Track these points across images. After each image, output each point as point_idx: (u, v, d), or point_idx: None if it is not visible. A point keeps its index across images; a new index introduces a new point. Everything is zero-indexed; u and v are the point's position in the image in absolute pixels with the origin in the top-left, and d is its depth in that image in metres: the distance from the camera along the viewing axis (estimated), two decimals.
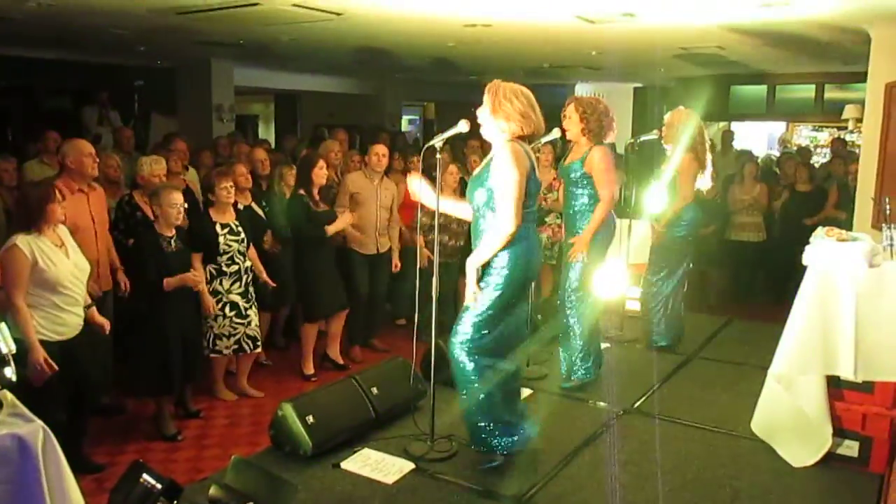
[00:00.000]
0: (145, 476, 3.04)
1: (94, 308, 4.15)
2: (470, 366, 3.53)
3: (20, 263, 3.66)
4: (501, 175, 3.41)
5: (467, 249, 6.35)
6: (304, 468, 3.71)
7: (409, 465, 3.73)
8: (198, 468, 4.42)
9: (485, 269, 3.53)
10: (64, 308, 3.85)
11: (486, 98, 3.50)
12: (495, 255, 3.47)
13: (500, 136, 3.50)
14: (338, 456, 3.81)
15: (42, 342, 3.71)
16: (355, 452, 3.86)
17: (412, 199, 6.25)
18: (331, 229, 5.64)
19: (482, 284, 3.52)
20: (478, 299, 3.51)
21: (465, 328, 3.54)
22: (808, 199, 8.01)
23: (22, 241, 3.70)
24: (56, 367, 3.69)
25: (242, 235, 5.21)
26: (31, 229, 3.75)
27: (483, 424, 3.61)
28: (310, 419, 3.78)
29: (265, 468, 3.37)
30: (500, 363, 3.56)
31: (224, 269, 5.12)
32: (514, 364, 3.66)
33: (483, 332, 3.51)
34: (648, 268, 5.64)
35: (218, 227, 5.10)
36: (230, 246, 5.12)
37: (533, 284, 4.86)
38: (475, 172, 3.65)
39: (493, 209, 3.48)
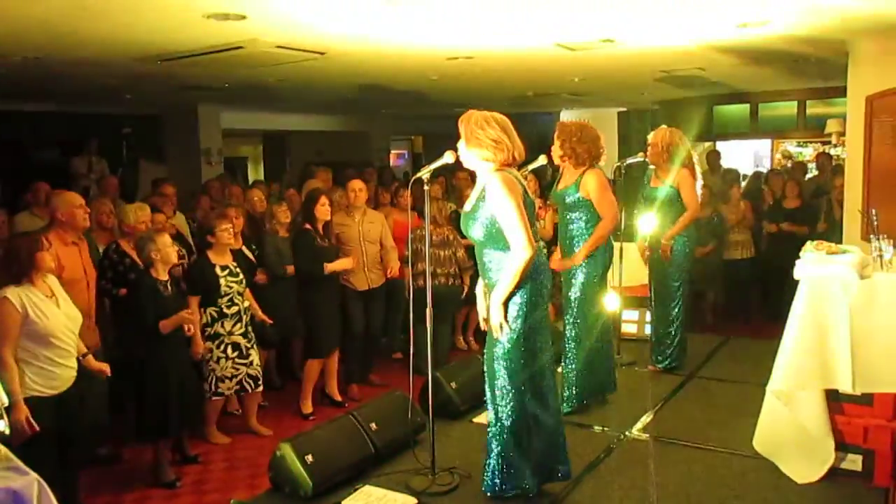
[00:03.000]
0: None
1: (90, 356, 4.11)
2: (506, 407, 3.50)
3: (10, 317, 3.61)
4: (500, 206, 3.39)
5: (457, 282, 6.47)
6: None
7: (411, 500, 3.68)
8: None
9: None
10: (57, 362, 3.80)
11: (460, 129, 3.50)
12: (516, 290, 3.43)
13: (482, 165, 3.50)
14: (339, 494, 3.76)
15: (36, 398, 3.67)
16: (356, 490, 3.81)
17: (400, 233, 6.32)
18: (329, 268, 5.65)
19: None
20: (503, 331, 3.47)
21: (499, 363, 3.50)
22: (797, 215, 8.04)
23: (12, 293, 3.65)
24: (37, 427, 3.58)
25: (241, 276, 5.22)
26: (22, 281, 3.72)
27: (493, 459, 3.56)
28: (309, 458, 3.74)
29: None
30: (534, 399, 3.55)
31: (225, 310, 5.12)
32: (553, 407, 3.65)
33: (514, 362, 3.47)
34: (658, 293, 5.62)
35: (218, 269, 5.10)
36: (230, 287, 5.12)
37: None
38: (467, 208, 3.63)
39: (495, 242, 3.47)
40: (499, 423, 3.54)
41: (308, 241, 5.61)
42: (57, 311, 3.81)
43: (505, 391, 3.50)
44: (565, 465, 3.70)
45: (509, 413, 3.51)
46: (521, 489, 3.57)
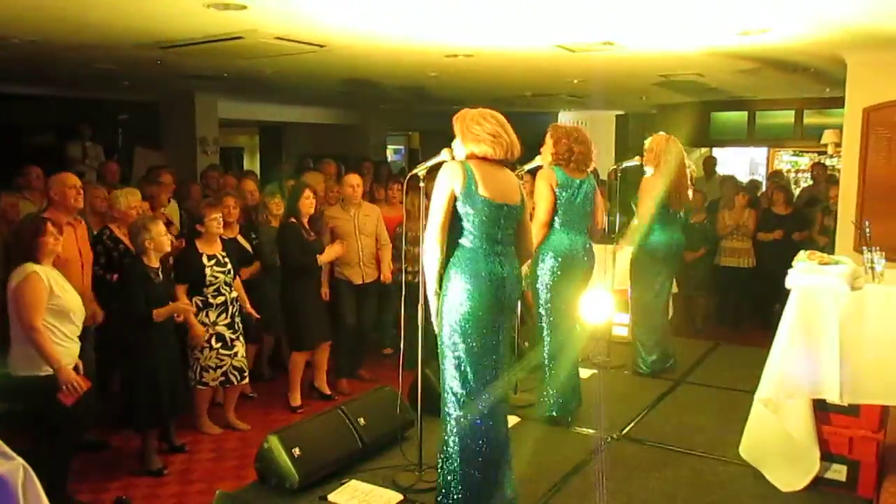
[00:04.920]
0: None
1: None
2: (449, 408, 3.39)
3: (40, 289, 3.76)
4: (434, 191, 3.35)
5: None
6: (290, 502, 3.67)
7: (397, 497, 3.69)
8: (183, 503, 4.36)
9: (441, 298, 3.38)
10: (72, 339, 3.95)
11: (455, 127, 3.42)
12: (447, 284, 3.33)
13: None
14: (325, 488, 3.77)
15: (44, 377, 3.77)
16: (343, 484, 3.82)
17: (389, 229, 6.31)
18: (322, 258, 5.65)
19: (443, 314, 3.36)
20: (442, 331, 3.37)
21: (446, 371, 3.40)
22: (786, 221, 8.07)
23: (38, 267, 3.80)
24: (89, 382, 3.87)
25: (229, 266, 5.20)
26: (38, 259, 3.85)
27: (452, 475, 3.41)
28: (296, 451, 3.75)
29: (251, 503, 3.33)
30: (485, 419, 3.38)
31: (210, 300, 5.11)
32: (498, 430, 3.43)
33: (457, 366, 3.34)
34: (630, 296, 5.67)
35: (204, 259, 5.09)
36: (217, 277, 5.11)
37: (519, 312, 4.89)
38: None
39: (451, 232, 3.37)
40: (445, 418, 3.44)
41: (295, 233, 5.59)
42: (71, 288, 3.97)
43: (450, 405, 3.39)
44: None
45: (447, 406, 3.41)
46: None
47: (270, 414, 5.72)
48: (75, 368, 3.97)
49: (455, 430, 3.36)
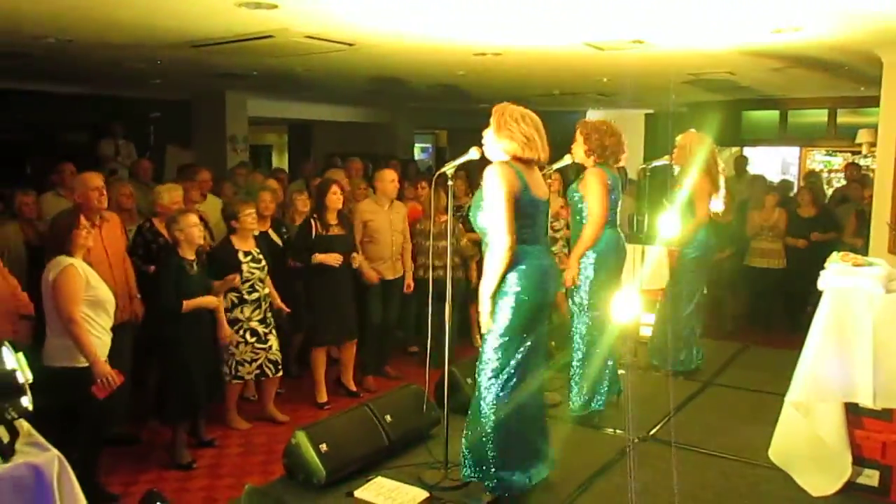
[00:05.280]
0: None
1: None
2: (488, 394, 3.50)
3: (77, 281, 3.83)
4: (488, 193, 3.39)
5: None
6: (318, 497, 3.70)
7: (423, 494, 3.70)
8: (211, 497, 4.42)
9: (497, 293, 3.48)
10: (107, 331, 4.02)
11: (492, 118, 3.49)
12: (504, 279, 3.43)
13: (499, 156, 3.49)
14: (351, 484, 3.79)
15: (80, 368, 3.84)
16: (369, 481, 3.84)
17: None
18: (318, 258, 5.60)
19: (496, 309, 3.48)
20: (491, 326, 3.49)
21: (486, 355, 3.52)
22: (813, 223, 7.95)
23: (73, 260, 3.86)
24: (122, 377, 3.92)
25: (263, 262, 5.25)
26: (72, 252, 3.92)
27: (490, 455, 3.53)
28: (323, 447, 3.77)
29: (279, 497, 3.35)
30: (521, 395, 3.52)
31: (245, 296, 5.16)
32: (536, 398, 3.62)
33: (501, 358, 3.47)
34: (666, 294, 5.60)
35: (241, 255, 5.14)
36: (252, 273, 5.16)
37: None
38: (474, 197, 3.64)
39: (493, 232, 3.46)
40: (483, 416, 3.52)
41: (304, 231, 5.66)
42: (103, 282, 4.03)
43: (489, 383, 3.50)
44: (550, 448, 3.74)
45: (491, 405, 3.50)
46: (509, 480, 3.55)
47: (297, 410, 5.77)
48: (108, 361, 4.03)
49: (493, 400, 3.50)
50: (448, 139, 18.11)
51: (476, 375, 3.60)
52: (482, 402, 3.53)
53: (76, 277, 3.83)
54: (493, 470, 3.53)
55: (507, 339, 3.47)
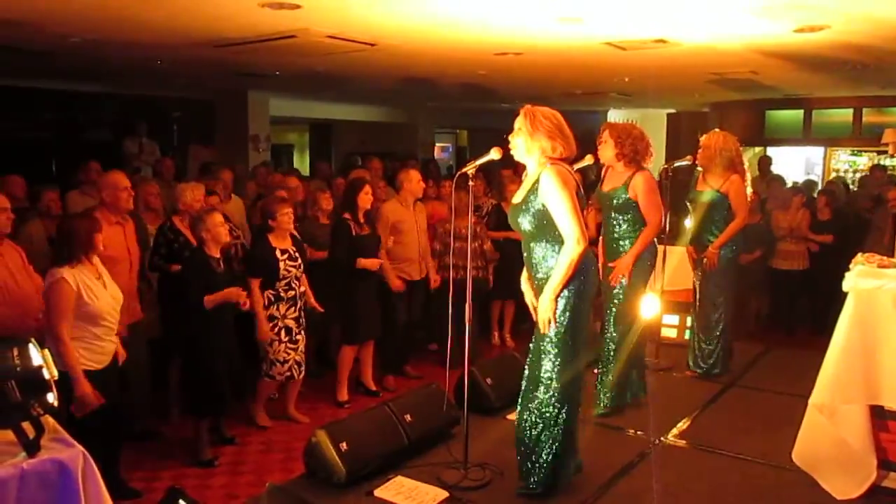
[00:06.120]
0: (181, 502, 3.06)
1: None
2: (550, 396, 3.53)
3: (67, 297, 3.75)
4: (554, 198, 3.41)
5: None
6: (338, 495, 3.70)
7: (442, 494, 3.70)
8: (232, 494, 4.44)
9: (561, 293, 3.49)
10: (103, 338, 3.94)
11: (522, 121, 3.49)
12: (571, 279, 3.45)
13: (536, 157, 3.50)
14: (371, 483, 3.79)
15: (84, 372, 3.79)
16: (389, 480, 3.84)
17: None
18: (362, 263, 5.61)
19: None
20: (551, 326, 3.49)
21: (550, 353, 3.52)
22: (829, 227, 7.86)
23: (68, 274, 3.79)
24: (102, 399, 3.78)
25: (299, 261, 5.27)
26: (75, 262, 3.84)
27: (545, 456, 3.57)
28: (343, 446, 3.78)
29: (300, 495, 3.37)
30: (576, 394, 3.59)
31: (282, 294, 5.18)
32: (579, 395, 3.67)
33: (569, 353, 3.51)
34: (703, 297, 5.56)
35: (278, 253, 5.16)
36: (289, 272, 5.18)
37: None
38: (516, 200, 3.63)
39: (544, 235, 3.48)
40: (543, 420, 3.54)
41: (345, 230, 5.64)
42: (104, 292, 3.94)
43: (551, 386, 3.51)
44: (579, 458, 3.78)
45: (557, 407, 3.52)
46: (559, 484, 3.59)
47: (317, 409, 5.79)
48: (115, 358, 4.05)
49: (556, 398, 3.53)
50: (469, 139, 18.12)
51: (535, 372, 3.59)
52: (546, 412, 3.55)
53: (66, 292, 3.76)
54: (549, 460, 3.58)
55: (572, 336, 3.50)
